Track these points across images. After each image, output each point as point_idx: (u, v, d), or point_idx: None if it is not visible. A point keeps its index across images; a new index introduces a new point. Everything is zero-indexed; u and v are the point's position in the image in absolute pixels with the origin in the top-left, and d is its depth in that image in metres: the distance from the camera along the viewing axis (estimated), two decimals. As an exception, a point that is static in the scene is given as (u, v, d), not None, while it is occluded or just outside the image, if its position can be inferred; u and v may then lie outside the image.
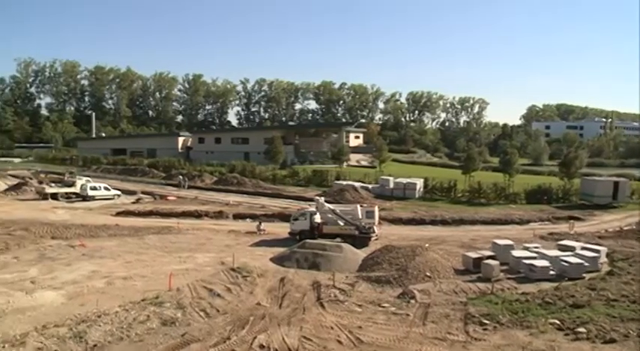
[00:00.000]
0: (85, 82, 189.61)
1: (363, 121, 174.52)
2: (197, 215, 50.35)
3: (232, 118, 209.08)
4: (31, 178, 75.34)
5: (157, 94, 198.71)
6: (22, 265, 30.69)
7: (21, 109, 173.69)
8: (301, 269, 31.00)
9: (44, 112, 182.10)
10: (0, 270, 29.36)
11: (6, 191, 65.89)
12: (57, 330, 19.77)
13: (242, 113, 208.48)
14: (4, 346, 18.22)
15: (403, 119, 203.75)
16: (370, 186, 66.05)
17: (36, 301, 23.38)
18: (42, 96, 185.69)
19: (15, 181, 73.21)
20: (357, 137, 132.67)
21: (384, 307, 24.02)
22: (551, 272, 29.57)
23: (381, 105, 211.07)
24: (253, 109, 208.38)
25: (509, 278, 29.49)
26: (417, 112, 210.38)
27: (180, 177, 75.49)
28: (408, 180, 65.22)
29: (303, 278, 28.70)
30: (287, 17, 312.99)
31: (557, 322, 21.66)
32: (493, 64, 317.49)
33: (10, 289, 24.41)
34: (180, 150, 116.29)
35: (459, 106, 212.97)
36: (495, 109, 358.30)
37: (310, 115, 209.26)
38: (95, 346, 18.83)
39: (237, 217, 50.27)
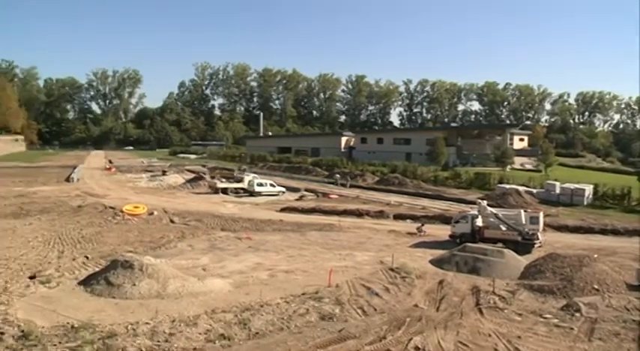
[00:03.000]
0: (254, 84, 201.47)
1: (529, 122, 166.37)
2: (358, 214, 50.84)
3: (394, 118, 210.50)
4: (205, 174, 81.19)
5: (321, 94, 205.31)
6: (195, 253, 33.18)
7: (197, 110, 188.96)
8: (460, 273, 30.00)
9: (217, 112, 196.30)
10: (177, 256, 32.02)
11: (183, 185, 71.69)
12: (224, 315, 20.94)
13: (404, 114, 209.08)
14: (180, 324, 19.72)
15: (571, 121, 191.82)
16: (535, 190, 62.72)
17: (206, 286, 24.90)
18: (215, 97, 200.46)
19: (191, 176, 79.31)
20: (521, 140, 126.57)
21: (545, 318, 22.39)
22: None
23: (547, 106, 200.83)
24: (415, 110, 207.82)
25: (693, 300, 26.14)
26: (587, 113, 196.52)
27: (337, 175, 76.93)
28: (576, 185, 61.13)
29: (462, 282, 27.72)
30: (451, 18, 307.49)
31: None
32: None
33: (185, 274, 26.26)
34: (342, 149, 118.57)
35: (636, 107, 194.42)
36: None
37: (473, 116, 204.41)
38: (257, 333, 19.55)
39: (398, 217, 50.01)
